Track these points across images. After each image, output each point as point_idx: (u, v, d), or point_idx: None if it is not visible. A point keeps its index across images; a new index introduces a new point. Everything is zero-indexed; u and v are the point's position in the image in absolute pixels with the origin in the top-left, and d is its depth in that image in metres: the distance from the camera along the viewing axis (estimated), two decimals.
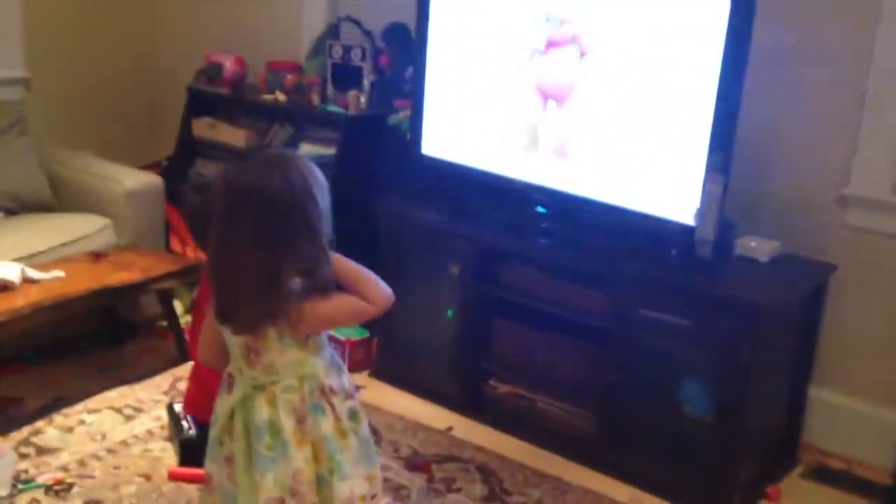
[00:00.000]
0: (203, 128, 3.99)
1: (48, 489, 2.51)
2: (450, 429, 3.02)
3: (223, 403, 1.79)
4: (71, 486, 2.54)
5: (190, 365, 2.83)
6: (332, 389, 1.77)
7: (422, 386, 3.23)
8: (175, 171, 4.00)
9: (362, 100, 3.56)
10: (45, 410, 2.91)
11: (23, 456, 2.65)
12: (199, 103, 4.02)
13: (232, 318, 1.70)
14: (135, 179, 3.54)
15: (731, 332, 2.53)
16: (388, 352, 3.31)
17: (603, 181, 2.79)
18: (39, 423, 2.83)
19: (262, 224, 1.64)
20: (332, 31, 3.75)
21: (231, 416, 1.76)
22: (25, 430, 2.78)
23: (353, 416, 1.83)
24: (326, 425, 1.75)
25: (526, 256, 2.94)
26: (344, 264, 1.75)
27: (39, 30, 3.94)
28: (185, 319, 3.45)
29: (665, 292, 2.65)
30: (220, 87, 3.90)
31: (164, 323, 3.45)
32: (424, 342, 3.21)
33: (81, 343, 3.35)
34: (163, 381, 3.15)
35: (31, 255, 3.11)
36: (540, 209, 3.00)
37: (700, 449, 2.63)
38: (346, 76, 3.57)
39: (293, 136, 3.79)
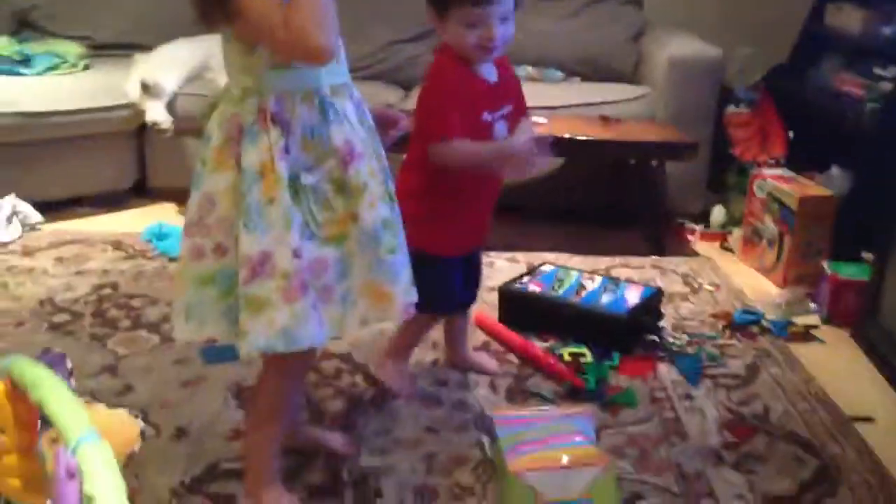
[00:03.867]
0: (834, 12, 3.16)
1: None
2: (867, 419, 1.86)
3: None
4: None
5: None
6: (275, 118, 1.30)
7: None
8: (793, 67, 3.28)
9: None
10: None
11: None
12: None
13: None
14: (685, 46, 3.02)
15: None
16: (879, 309, 2.17)
17: None
18: None
19: None
20: None
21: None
22: None
23: (343, 188, 1.35)
24: (251, 157, 1.30)
25: None
26: None
27: None
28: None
29: None
30: None
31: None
32: None
33: None
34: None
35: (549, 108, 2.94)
36: None
37: None
38: None
39: None
